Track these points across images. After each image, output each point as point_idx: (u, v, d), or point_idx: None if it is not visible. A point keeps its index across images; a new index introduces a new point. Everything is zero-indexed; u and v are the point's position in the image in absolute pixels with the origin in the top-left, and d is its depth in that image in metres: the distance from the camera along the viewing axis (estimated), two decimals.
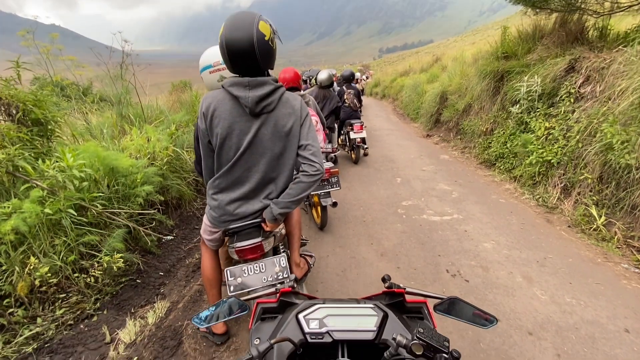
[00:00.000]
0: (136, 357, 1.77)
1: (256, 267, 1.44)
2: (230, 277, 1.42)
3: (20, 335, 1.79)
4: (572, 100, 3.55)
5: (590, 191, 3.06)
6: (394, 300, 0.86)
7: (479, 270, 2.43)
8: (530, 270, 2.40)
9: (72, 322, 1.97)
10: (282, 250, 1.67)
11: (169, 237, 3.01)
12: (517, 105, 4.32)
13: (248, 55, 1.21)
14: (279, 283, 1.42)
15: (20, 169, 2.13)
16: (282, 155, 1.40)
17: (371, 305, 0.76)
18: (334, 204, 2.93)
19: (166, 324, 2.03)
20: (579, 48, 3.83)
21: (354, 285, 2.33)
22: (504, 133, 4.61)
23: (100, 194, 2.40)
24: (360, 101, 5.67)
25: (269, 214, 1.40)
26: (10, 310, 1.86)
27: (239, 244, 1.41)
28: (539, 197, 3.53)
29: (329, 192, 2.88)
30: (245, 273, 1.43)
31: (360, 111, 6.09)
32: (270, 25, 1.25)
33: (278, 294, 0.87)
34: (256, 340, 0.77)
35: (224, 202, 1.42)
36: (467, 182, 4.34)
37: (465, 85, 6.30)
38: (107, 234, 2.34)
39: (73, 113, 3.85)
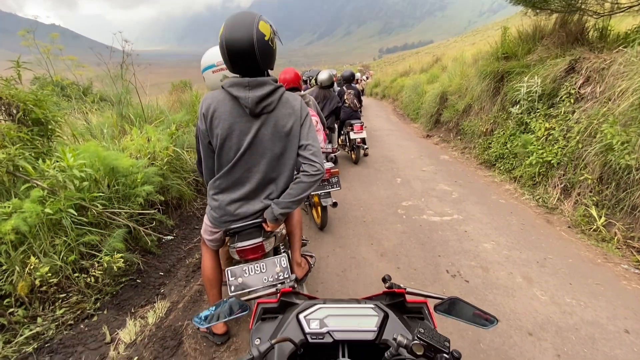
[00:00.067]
0: (136, 357, 1.77)
1: (257, 267, 1.44)
2: (231, 277, 1.42)
3: (21, 335, 1.79)
4: (572, 100, 3.55)
5: (590, 192, 3.06)
6: (395, 301, 0.86)
7: (479, 271, 2.43)
8: (530, 271, 2.40)
9: (72, 322, 1.97)
10: (282, 251, 1.67)
11: (169, 237, 3.01)
12: (517, 106, 4.32)
13: (248, 56, 1.21)
14: (279, 283, 1.42)
15: (21, 169, 2.13)
16: (283, 156, 1.40)
17: (372, 306, 0.76)
18: (334, 204, 2.93)
19: (166, 324, 2.03)
20: (579, 49, 3.83)
21: (354, 285, 2.33)
22: (504, 133, 4.61)
23: (101, 194, 2.40)
24: (360, 101, 5.68)
25: (270, 214, 1.40)
26: (11, 310, 1.86)
27: (240, 244, 1.41)
28: (539, 198, 3.53)
29: (329, 192, 2.88)
30: (246, 273, 1.43)
31: (361, 111, 6.10)
32: (270, 25, 1.25)
33: (278, 294, 0.87)
34: (257, 341, 0.78)
35: (225, 203, 1.42)
36: (467, 182, 4.34)
37: (465, 85, 6.31)
38: (107, 233, 2.34)
39: (73, 113, 3.85)
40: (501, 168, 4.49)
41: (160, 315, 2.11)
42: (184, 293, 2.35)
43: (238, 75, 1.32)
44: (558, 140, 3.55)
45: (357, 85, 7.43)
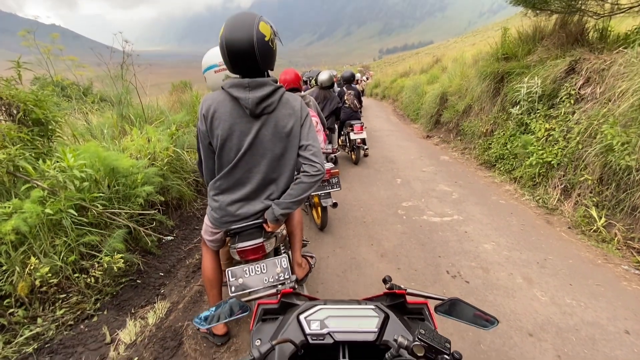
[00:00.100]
0: (136, 358, 1.77)
1: (257, 267, 1.44)
2: (232, 277, 1.42)
3: (21, 336, 1.79)
4: (572, 101, 3.55)
5: (591, 192, 3.06)
6: (395, 302, 0.86)
7: (479, 272, 2.43)
8: (531, 272, 2.40)
9: (72, 322, 1.97)
10: (283, 251, 1.67)
11: (169, 238, 3.01)
12: (517, 107, 4.32)
13: (248, 56, 1.21)
14: (280, 284, 1.42)
15: (21, 169, 2.13)
16: (283, 156, 1.40)
17: (372, 307, 0.76)
18: (334, 205, 2.93)
19: (166, 325, 2.03)
20: (579, 49, 3.83)
21: (355, 286, 2.33)
22: (504, 134, 4.61)
23: (101, 194, 2.40)
24: (360, 102, 5.68)
25: (271, 215, 1.40)
26: (11, 310, 1.86)
27: (240, 245, 1.41)
28: (539, 199, 3.53)
29: (329, 192, 2.88)
30: (246, 274, 1.43)
31: (361, 112, 6.10)
32: (270, 26, 1.26)
33: (279, 295, 0.87)
34: (257, 341, 0.77)
35: (225, 203, 1.42)
36: (467, 183, 4.34)
37: (465, 86, 6.31)
38: (107, 234, 2.34)
39: (74, 113, 3.85)
40: (501, 169, 4.49)
41: (161, 315, 2.11)
42: (184, 293, 2.35)
43: (239, 75, 1.32)
44: (558, 141, 3.55)
45: (357, 86, 7.43)
